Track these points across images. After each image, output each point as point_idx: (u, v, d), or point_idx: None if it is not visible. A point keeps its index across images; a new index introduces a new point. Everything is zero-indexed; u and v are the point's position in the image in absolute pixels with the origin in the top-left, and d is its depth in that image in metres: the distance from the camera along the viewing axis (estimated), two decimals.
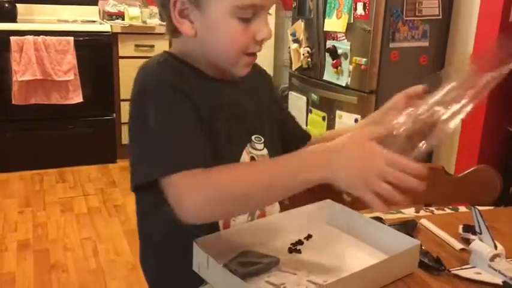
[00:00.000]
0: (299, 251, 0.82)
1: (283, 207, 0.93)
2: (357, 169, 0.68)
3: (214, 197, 0.70)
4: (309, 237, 0.87)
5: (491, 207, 1.06)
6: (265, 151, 0.89)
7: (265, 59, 0.89)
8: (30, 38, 2.90)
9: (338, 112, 2.65)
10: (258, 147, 0.88)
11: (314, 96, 2.82)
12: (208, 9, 0.77)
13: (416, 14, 2.43)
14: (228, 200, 0.71)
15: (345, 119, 2.62)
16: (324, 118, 2.76)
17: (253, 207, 0.82)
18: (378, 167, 0.66)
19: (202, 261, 0.74)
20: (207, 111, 0.79)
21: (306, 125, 2.88)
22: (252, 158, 0.87)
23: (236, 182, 0.70)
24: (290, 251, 0.82)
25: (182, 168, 0.69)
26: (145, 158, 0.74)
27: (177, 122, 0.74)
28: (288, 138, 1.00)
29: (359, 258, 0.82)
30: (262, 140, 0.89)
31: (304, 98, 2.88)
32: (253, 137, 0.88)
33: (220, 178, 0.70)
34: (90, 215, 2.58)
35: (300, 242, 0.85)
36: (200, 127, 0.76)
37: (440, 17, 2.49)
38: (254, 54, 0.83)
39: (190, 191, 0.69)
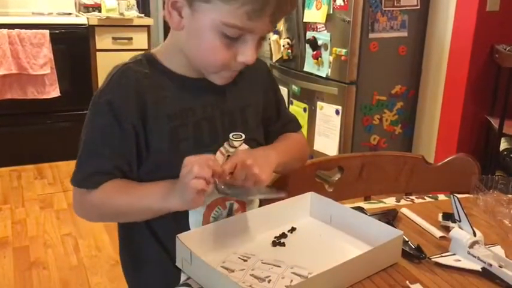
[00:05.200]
0: (283, 244, 0.82)
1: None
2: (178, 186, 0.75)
3: (90, 215, 0.87)
4: (292, 230, 0.87)
5: (470, 195, 1.07)
6: (244, 147, 0.88)
7: None
8: (4, 31, 2.83)
9: (319, 103, 2.66)
10: (235, 144, 0.87)
11: (295, 88, 2.82)
12: (199, 13, 0.76)
13: (395, 4, 2.45)
14: (103, 218, 0.91)
15: (326, 110, 2.63)
16: (305, 109, 2.77)
17: (132, 220, 0.89)
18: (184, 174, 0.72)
19: (185, 256, 0.73)
20: (169, 118, 0.82)
21: None
22: (229, 157, 0.85)
23: (110, 207, 0.82)
24: (274, 244, 0.82)
25: (76, 185, 0.83)
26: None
27: (94, 142, 0.82)
28: (271, 136, 0.99)
29: (343, 249, 0.82)
30: (242, 137, 0.87)
31: (285, 89, 2.88)
32: (231, 135, 0.87)
33: (98, 201, 0.81)
34: (70, 211, 2.54)
35: (283, 235, 0.85)
36: (135, 144, 0.82)
37: (419, 7, 2.51)
38: (235, 71, 0.83)
39: (75, 206, 0.85)
